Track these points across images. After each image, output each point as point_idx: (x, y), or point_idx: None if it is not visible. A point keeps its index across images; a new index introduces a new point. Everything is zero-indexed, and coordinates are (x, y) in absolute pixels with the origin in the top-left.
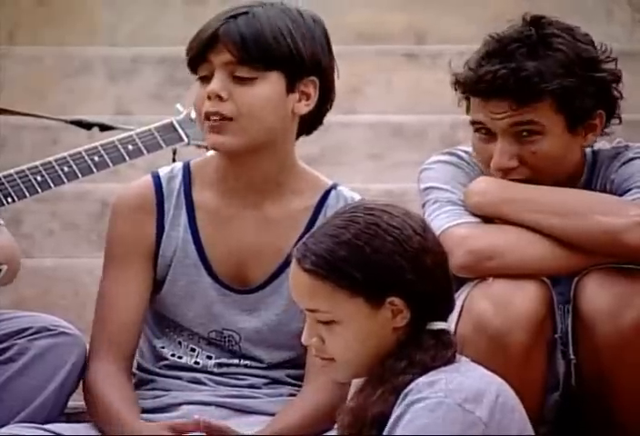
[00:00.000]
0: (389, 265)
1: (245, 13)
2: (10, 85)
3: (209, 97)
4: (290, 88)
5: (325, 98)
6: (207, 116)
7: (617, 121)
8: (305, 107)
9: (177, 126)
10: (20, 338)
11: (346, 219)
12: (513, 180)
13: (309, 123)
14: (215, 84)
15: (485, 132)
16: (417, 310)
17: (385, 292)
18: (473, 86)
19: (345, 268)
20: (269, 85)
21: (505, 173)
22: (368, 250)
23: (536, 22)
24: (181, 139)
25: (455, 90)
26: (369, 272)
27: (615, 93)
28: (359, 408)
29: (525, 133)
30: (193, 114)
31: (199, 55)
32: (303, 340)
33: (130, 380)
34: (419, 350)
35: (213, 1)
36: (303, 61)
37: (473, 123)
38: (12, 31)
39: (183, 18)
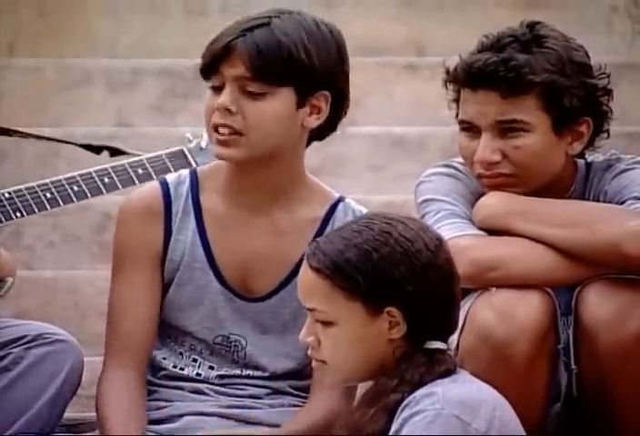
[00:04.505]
0: (393, 275)
1: (262, 25)
2: (10, 97)
3: (218, 109)
4: (301, 103)
5: (339, 108)
6: (216, 128)
7: (605, 135)
8: (315, 121)
9: (187, 153)
10: (15, 347)
11: (363, 224)
12: (497, 176)
13: (321, 131)
14: (225, 98)
15: (471, 130)
16: (415, 325)
17: (384, 302)
18: (463, 75)
19: (349, 270)
20: (280, 101)
21: (487, 168)
22: (375, 256)
23: (532, 25)
24: (190, 166)
25: (446, 88)
26: (371, 278)
27: (605, 108)
28: (354, 426)
29: (509, 130)
30: (203, 144)
31: (212, 66)
32: (300, 336)
33: (143, 387)
34: (410, 368)
35: (213, 12)
36: (316, 76)
37: (460, 122)
38: (12, 42)
39: (183, 30)
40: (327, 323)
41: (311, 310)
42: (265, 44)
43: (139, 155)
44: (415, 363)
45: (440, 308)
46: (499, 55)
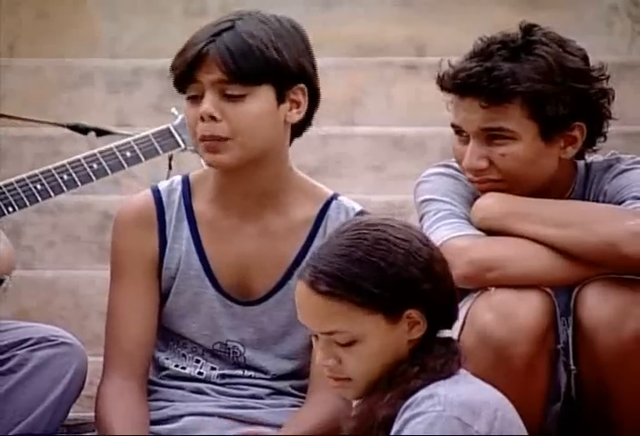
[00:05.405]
0: (406, 278)
1: (228, 28)
2: (10, 97)
3: (202, 118)
4: (280, 99)
5: (314, 101)
6: (203, 138)
7: (602, 138)
8: (296, 115)
9: (174, 132)
10: (20, 349)
11: (352, 237)
12: (485, 181)
13: (300, 127)
14: (207, 105)
15: (462, 134)
16: (432, 320)
17: (403, 306)
18: (449, 83)
19: (363, 285)
20: (260, 100)
21: (475, 174)
22: (383, 264)
23: (528, 29)
24: (177, 145)
25: (441, 89)
26: (387, 287)
27: (604, 111)
28: (367, 412)
29: (495, 137)
30: None
31: (187, 75)
32: (317, 360)
33: (142, 396)
34: (431, 357)
35: (213, 13)
36: (290, 71)
37: (452, 126)
38: (12, 43)
39: (183, 30)
40: (348, 343)
41: (330, 333)
42: (236, 46)
43: (126, 136)
44: (435, 353)
45: (450, 295)
46: (483, 65)
